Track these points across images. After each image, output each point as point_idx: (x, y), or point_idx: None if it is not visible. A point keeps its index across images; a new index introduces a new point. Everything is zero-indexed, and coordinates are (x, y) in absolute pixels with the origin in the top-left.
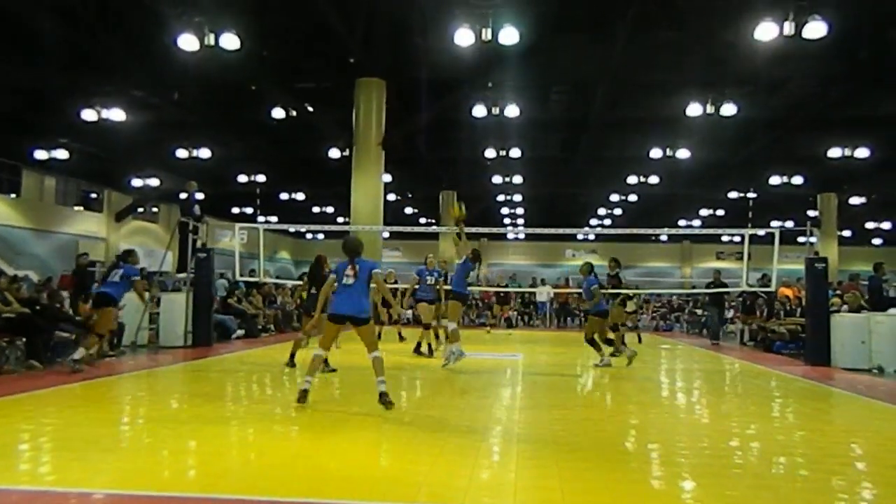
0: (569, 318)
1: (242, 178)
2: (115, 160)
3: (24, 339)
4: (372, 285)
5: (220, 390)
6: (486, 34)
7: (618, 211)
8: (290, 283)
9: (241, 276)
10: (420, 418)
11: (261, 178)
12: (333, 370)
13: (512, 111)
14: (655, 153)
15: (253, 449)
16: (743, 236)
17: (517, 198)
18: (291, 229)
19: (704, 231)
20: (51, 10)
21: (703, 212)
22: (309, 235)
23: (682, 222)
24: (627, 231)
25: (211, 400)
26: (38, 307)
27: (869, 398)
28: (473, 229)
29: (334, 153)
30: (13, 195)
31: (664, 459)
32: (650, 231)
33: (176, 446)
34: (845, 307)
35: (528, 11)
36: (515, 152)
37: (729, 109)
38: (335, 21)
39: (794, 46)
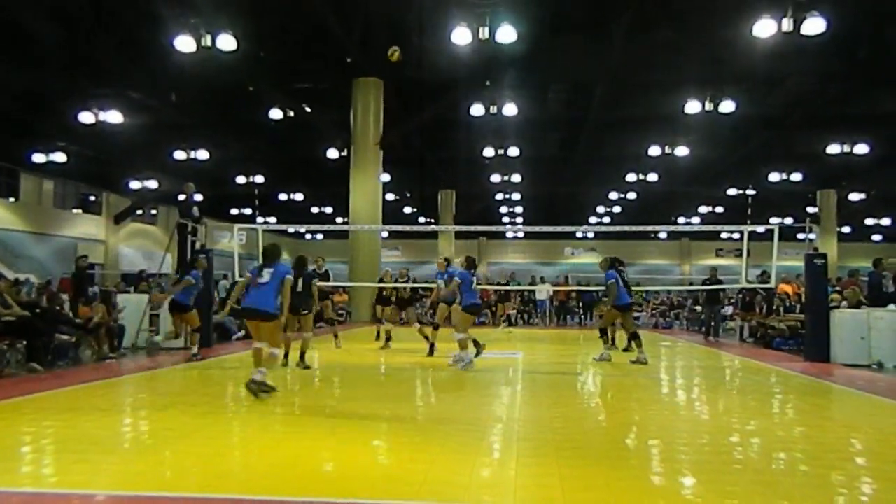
0: (568, 317)
1: (241, 179)
2: (114, 162)
3: (24, 342)
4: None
5: (220, 391)
6: (484, 33)
7: (617, 209)
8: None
9: (241, 277)
10: (420, 417)
11: (259, 178)
12: (308, 367)
13: (510, 110)
14: (654, 151)
15: (254, 449)
16: (742, 233)
17: (516, 196)
18: (290, 230)
19: (704, 228)
20: (47, 13)
21: (703, 209)
22: (308, 236)
23: (681, 220)
24: (627, 228)
25: (211, 400)
26: (38, 310)
27: (869, 394)
28: (472, 227)
29: (332, 153)
30: (12, 199)
31: (664, 456)
32: (649, 228)
33: (177, 447)
34: (845, 303)
35: (526, 10)
36: (514, 151)
37: (727, 106)
38: (332, 21)
39: (793, 43)
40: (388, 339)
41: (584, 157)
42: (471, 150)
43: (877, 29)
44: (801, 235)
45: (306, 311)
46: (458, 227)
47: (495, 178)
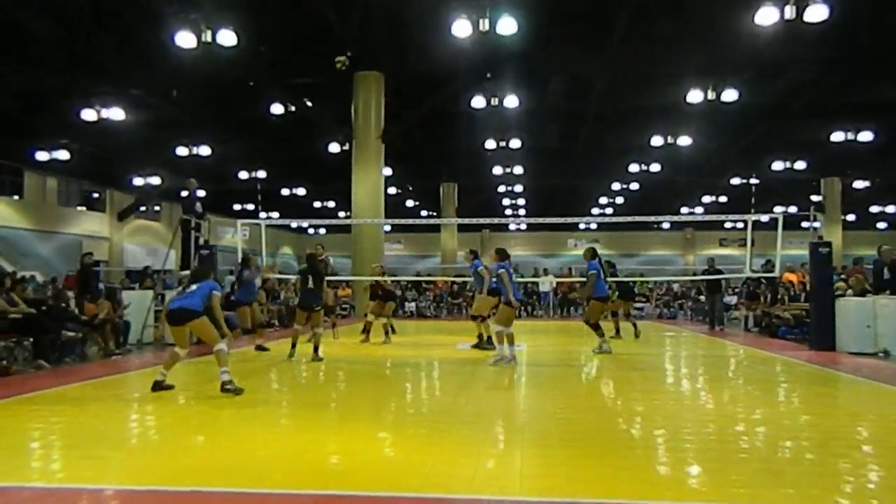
0: (571, 308)
1: (243, 175)
2: (116, 160)
3: (31, 339)
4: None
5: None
6: (484, 25)
7: (619, 200)
8: (292, 277)
9: None
10: (425, 409)
11: (261, 174)
12: (321, 359)
13: (511, 102)
14: (656, 141)
15: (260, 443)
16: (746, 222)
17: (518, 188)
18: (293, 224)
19: (707, 218)
20: (47, 13)
21: (706, 199)
22: (311, 231)
23: (684, 210)
24: (630, 219)
25: (217, 396)
26: (44, 307)
27: (874, 382)
28: (474, 220)
29: (334, 148)
30: (16, 197)
31: (670, 446)
32: (652, 219)
33: (184, 442)
34: (850, 291)
35: (526, 1)
36: (515, 143)
37: (730, 95)
38: (332, 16)
39: (795, 31)
40: (388, 332)
41: (587, 149)
42: (472, 143)
43: (879, 15)
44: (805, 224)
45: (318, 308)
46: (460, 220)
47: (497, 170)
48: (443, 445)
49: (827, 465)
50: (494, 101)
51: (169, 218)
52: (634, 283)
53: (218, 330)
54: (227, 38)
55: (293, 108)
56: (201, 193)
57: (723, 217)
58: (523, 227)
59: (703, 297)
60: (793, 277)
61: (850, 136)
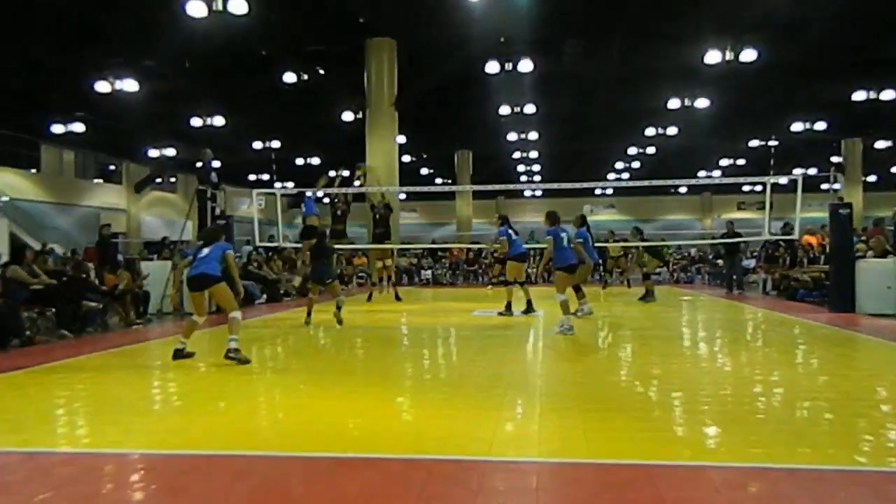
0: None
1: (257, 145)
2: (131, 132)
3: (53, 310)
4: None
5: (245, 353)
6: None
7: (636, 164)
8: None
9: (261, 241)
10: (442, 375)
11: (275, 144)
12: (341, 322)
13: (525, 66)
14: (673, 104)
15: (280, 408)
16: (765, 185)
17: (533, 154)
18: (308, 193)
19: (725, 181)
20: None
21: (724, 162)
22: (326, 200)
23: (702, 173)
24: (647, 184)
25: (237, 363)
26: (64, 278)
27: (894, 342)
28: (490, 186)
29: (348, 116)
30: (34, 170)
31: (687, 407)
32: (669, 183)
33: (206, 408)
34: (870, 253)
35: None
36: (530, 108)
37: (749, 55)
38: None
39: None
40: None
41: (602, 113)
42: (487, 109)
43: None
44: (825, 185)
45: (330, 280)
46: (475, 187)
47: (512, 136)
48: (461, 409)
49: (845, 425)
50: (508, 66)
51: (185, 189)
52: (662, 247)
53: (233, 288)
54: (237, 6)
55: (306, 77)
56: (216, 164)
57: (741, 180)
58: (539, 193)
59: (720, 261)
60: (812, 240)
61: (872, 94)
